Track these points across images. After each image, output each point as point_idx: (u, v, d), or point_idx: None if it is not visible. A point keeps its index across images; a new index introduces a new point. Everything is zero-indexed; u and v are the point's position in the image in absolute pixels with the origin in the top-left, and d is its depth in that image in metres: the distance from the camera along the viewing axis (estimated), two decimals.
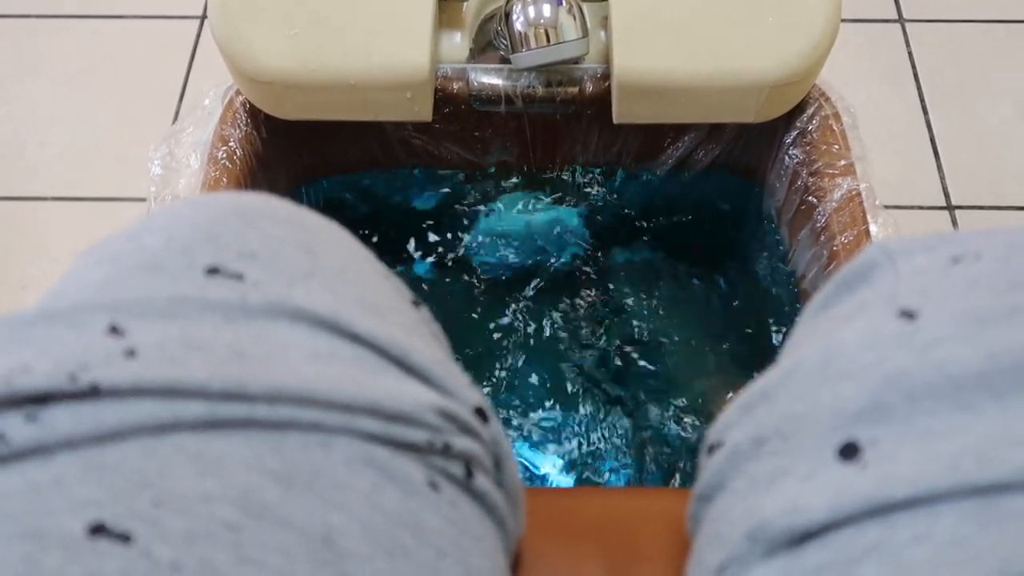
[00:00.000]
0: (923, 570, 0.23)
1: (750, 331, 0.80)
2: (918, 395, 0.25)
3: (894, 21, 1.21)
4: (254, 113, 0.69)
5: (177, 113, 1.14)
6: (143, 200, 0.66)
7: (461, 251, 0.84)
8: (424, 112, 0.66)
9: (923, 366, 0.25)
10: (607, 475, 0.75)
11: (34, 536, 0.22)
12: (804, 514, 0.25)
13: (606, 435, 0.76)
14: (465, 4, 0.69)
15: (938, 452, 0.24)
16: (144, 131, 1.09)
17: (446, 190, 0.83)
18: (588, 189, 0.81)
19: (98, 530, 0.22)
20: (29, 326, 0.26)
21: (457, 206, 0.84)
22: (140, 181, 0.66)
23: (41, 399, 0.23)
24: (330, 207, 0.82)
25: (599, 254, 0.85)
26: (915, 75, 1.16)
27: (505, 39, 0.65)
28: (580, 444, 0.76)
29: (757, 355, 0.79)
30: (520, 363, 0.80)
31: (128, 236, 0.31)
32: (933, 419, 0.25)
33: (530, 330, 0.81)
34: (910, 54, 1.18)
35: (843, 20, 0.64)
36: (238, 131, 0.68)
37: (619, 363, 0.80)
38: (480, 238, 0.84)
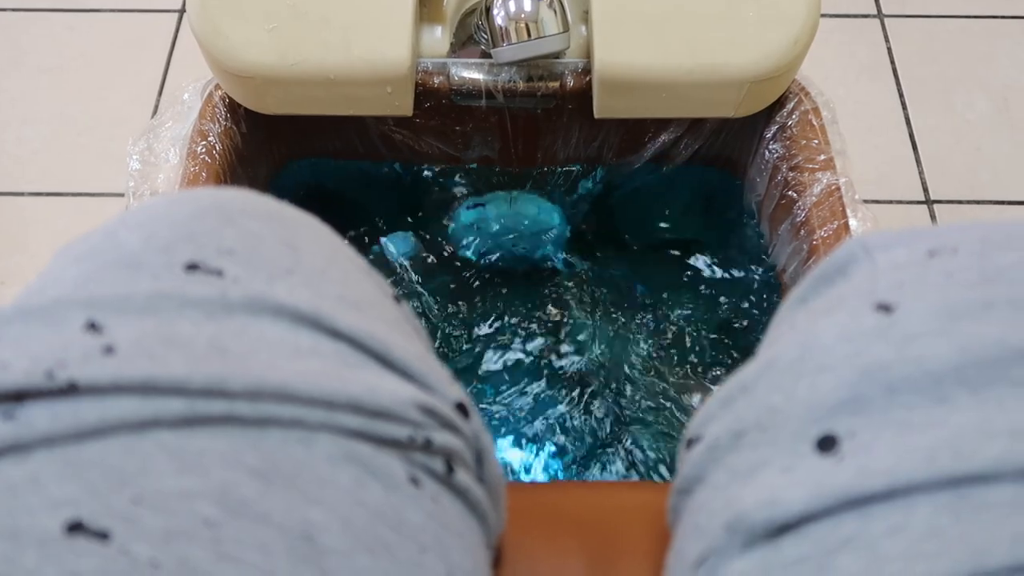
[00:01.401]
0: (898, 561, 0.23)
1: (730, 324, 0.80)
2: (895, 388, 0.25)
3: (873, 16, 1.22)
4: (233, 108, 0.69)
5: (156, 108, 1.13)
6: (122, 195, 0.65)
7: (442, 246, 0.84)
8: (404, 107, 0.66)
9: (900, 359, 0.26)
10: (589, 469, 0.75)
11: (10, 535, 0.21)
12: (782, 506, 0.25)
13: (586, 429, 0.76)
14: None
15: (914, 444, 0.24)
16: (123, 126, 1.09)
17: (426, 184, 0.83)
18: (569, 183, 0.82)
19: (75, 528, 0.22)
20: (6, 323, 0.26)
21: (438, 200, 0.84)
22: (119, 176, 0.66)
23: (18, 396, 0.23)
24: (307, 197, 0.82)
25: (580, 248, 0.85)
26: (894, 70, 1.17)
27: (486, 33, 0.65)
28: (562, 439, 0.76)
29: (737, 349, 0.79)
30: (501, 358, 0.80)
31: (106, 233, 0.30)
32: (910, 412, 0.25)
33: (511, 325, 0.81)
34: (889, 49, 1.19)
35: (823, 15, 0.65)
36: (217, 126, 0.67)
37: (600, 356, 0.80)
38: (460, 233, 0.84)
